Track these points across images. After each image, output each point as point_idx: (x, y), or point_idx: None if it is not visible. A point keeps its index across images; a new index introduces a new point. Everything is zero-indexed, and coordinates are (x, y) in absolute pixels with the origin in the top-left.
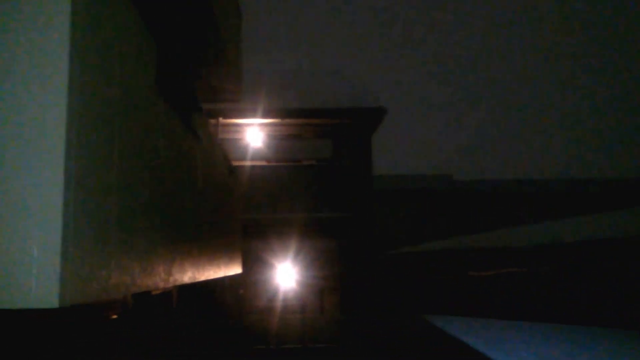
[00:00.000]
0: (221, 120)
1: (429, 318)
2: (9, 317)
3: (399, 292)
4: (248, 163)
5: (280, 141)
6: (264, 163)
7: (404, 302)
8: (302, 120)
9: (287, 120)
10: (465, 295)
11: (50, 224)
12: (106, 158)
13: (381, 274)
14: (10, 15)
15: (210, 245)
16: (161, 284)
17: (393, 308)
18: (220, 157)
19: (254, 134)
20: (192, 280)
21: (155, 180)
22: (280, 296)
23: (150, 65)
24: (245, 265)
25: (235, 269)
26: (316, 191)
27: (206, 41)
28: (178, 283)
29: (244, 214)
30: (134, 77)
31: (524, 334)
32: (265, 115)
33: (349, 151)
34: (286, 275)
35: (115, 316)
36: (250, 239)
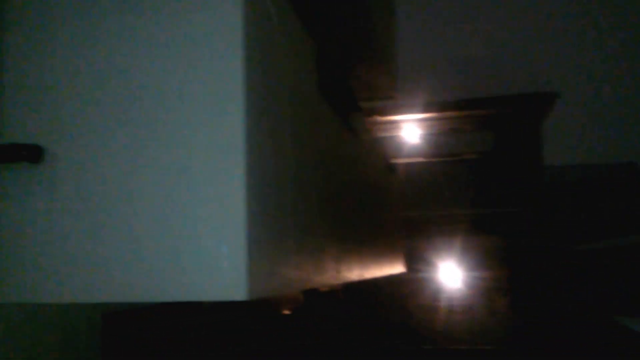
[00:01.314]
0: (378, 117)
1: (620, 319)
2: (201, 309)
3: (580, 291)
4: (407, 160)
5: (438, 136)
6: (422, 159)
7: (587, 302)
8: (461, 112)
9: (445, 114)
10: None
11: (237, 226)
12: (280, 164)
13: (559, 272)
14: (185, 28)
15: (374, 243)
16: (331, 281)
17: (574, 309)
18: (380, 155)
19: (411, 130)
20: (359, 278)
21: (323, 181)
22: (446, 296)
23: (312, 68)
24: (408, 264)
25: (399, 268)
26: (480, 186)
27: (362, 39)
28: (346, 280)
29: (405, 212)
30: (299, 81)
31: None
32: (422, 110)
33: (514, 142)
34: (451, 274)
35: (288, 312)
36: (412, 237)
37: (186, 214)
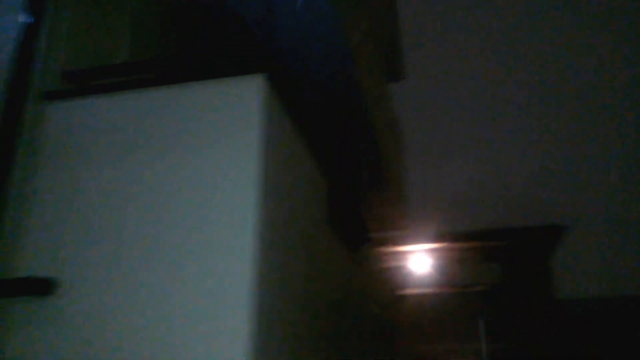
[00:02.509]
0: (387, 248)
1: None
2: None
3: None
4: (414, 292)
5: (445, 267)
6: (429, 290)
7: None
8: (468, 243)
9: (452, 245)
10: None
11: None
12: (282, 301)
13: None
14: (204, 167)
15: None
16: None
17: None
18: (388, 286)
19: (418, 260)
20: None
21: (329, 314)
22: None
23: (323, 202)
24: None
25: None
26: (488, 319)
27: (374, 175)
28: None
29: (412, 345)
30: (310, 217)
31: None
32: (429, 241)
33: (523, 274)
34: None
35: None
36: None
37: (187, 348)
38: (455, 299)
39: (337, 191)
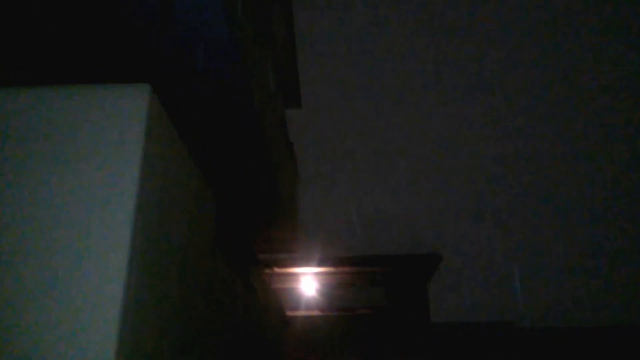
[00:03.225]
0: (276, 270)
1: None
2: None
3: None
4: (302, 313)
5: (333, 290)
6: (318, 312)
7: None
8: (355, 268)
9: (340, 269)
10: None
11: None
12: (160, 318)
13: None
14: (85, 176)
15: None
16: None
17: None
18: (275, 307)
19: (307, 283)
20: None
21: (212, 332)
22: None
23: (209, 223)
24: None
25: None
26: (372, 340)
27: (264, 198)
28: None
29: None
30: (193, 236)
31: None
32: (318, 264)
33: (403, 299)
34: None
35: None
36: None
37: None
38: (343, 320)
39: (226, 211)
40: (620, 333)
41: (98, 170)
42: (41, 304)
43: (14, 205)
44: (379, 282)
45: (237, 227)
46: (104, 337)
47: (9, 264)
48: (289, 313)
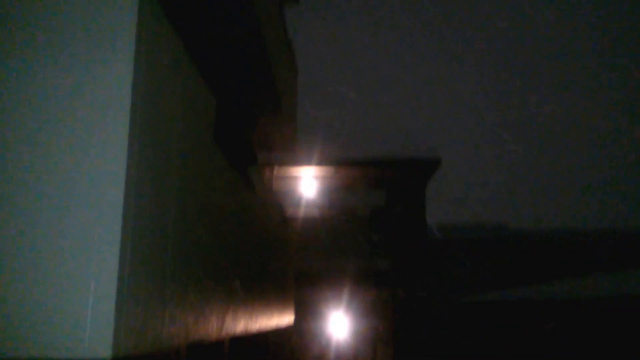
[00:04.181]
0: (276, 170)
1: None
2: None
3: (456, 343)
4: (302, 214)
5: (333, 192)
6: (317, 214)
7: (463, 354)
8: (356, 171)
9: (341, 171)
10: (534, 349)
11: (106, 275)
12: (162, 210)
13: (437, 325)
14: (75, 72)
15: (264, 295)
16: (214, 335)
17: None
18: (275, 208)
19: (308, 185)
20: (245, 331)
21: (210, 231)
22: (333, 346)
23: (209, 120)
24: (297, 315)
25: (288, 319)
26: (369, 241)
27: (263, 94)
28: (231, 334)
29: (297, 264)
30: (192, 130)
31: None
32: (319, 164)
33: (402, 201)
34: (338, 325)
35: None
36: (303, 289)
37: (49, 259)
38: (343, 221)
39: (226, 109)
40: (619, 236)
41: (89, 65)
42: (41, 202)
43: (14, 102)
44: (379, 184)
45: (236, 124)
46: (106, 239)
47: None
48: (289, 215)
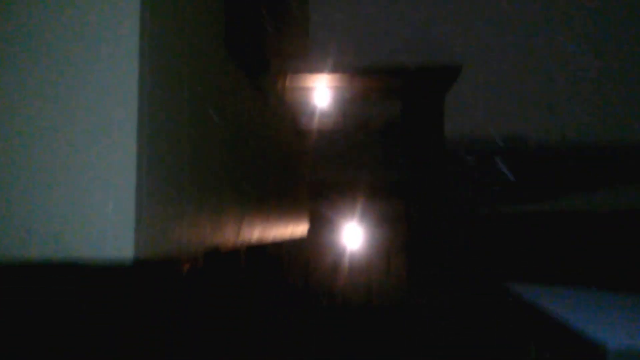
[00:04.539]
0: (289, 79)
1: (508, 285)
2: (83, 273)
3: (473, 256)
4: (316, 126)
5: (348, 103)
6: (331, 126)
7: (478, 266)
8: (371, 80)
9: (355, 80)
10: (549, 261)
11: (125, 181)
12: (177, 117)
13: (452, 237)
14: None
15: (278, 206)
16: (231, 243)
17: (466, 273)
18: (288, 117)
19: (321, 95)
20: (261, 240)
21: (225, 140)
22: (346, 257)
23: (219, 24)
24: (312, 226)
25: (302, 230)
26: (385, 153)
27: None
28: (247, 242)
29: (312, 176)
30: (203, 36)
31: (617, 305)
32: (333, 72)
33: (419, 111)
34: (352, 236)
35: (185, 273)
36: (317, 200)
37: (72, 162)
38: (358, 132)
39: (237, 13)
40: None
41: None
42: (58, 106)
43: None
44: (395, 94)
45: (247, 30)
46: (122, 147)
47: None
48: (303, 126)
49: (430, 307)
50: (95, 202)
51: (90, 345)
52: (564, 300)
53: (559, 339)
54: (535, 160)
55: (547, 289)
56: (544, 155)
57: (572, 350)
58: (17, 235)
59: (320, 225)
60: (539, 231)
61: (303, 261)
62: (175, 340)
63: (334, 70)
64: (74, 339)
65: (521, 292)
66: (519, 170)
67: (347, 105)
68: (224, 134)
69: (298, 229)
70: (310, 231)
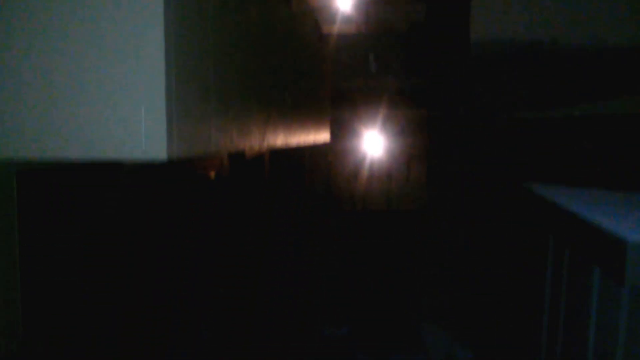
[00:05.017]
0: None
1: (528, 185)
2: (121, 173)
3: (495, 159)
4: (338, 31)
5: (370, 5)
6: (353, 30)
7: (501, 169)
8: None
9: None
10: (573, 164)
11: (155, 84)
12: (202, 23)
13: (475, 142)
14: None
15: (301, 113)
16: (256, 146)
17: (487, 176)
18: (311, 22)
19: None
20: (285, 145)
21: (249, 44)
22: (367, 163)
23: None
24: (333, 134)
25: (324, 137)
26: (408, 58)
27: None
28: (271, 146)
29: (334, 83)
30: None
31: (638, 204)
32: None
33: (444, 14)
34: (374, 143)
35: (212, 177)
36: (339, 107)
37: (104, 71)
38: (380, 37)
39: None
40: None
41: None
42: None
43: None
44: None
45: None
46: (151, 47)
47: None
48: (325, 31)
49: (450, 209)
50: (128, 107)
51: (124, 243)
52: (585, 199)
53: (578, 235)
54: (562, 65)
55: (568, 189)
56: (571, 58)
57: (592, 245)
58: (57, 139)
59: (342, 132)
60: (562, 136)
61: (325, 167)
62: (205, 240)
63: None
64: (111, 237)
65: (541, 191)
66: (544, 75)
67: (369, 8)
68: (248, 39)
69: (320, 136)
70: (332, 138)
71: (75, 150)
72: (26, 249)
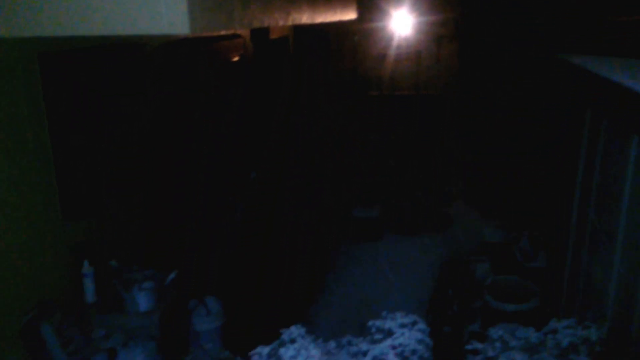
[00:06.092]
0: None
1: (565, 55)
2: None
3: (527, 32)
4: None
5: None
6: None
7: (536, 40)
8: None
9: None
10: (609, 35)
11: None
12: None
13: (510, 13)
14: None
15: None
16: (280, 22)
17: (522, 48)
18: None
19: None
20: (309, 21)
21: None
22: (395, 44)
23: None
24: (360, 11)
25: (350, 15)
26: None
27: None
28: (296, 23)
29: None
30: None
31: None
32: None
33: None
34: (402, 22)
35: (237, 58)
36: None
37: None
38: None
39: None
40: None
41: None
42: None
43: None
44: None
45: None
46: None
47: None
48: None
49: (482, 89)
50: None
51: (149, 127)
52: (624, 68)
53: (618, 103)
54: None
55: (606, 59)
56: None
57: (632, 113)
58: (75, 15)
59: (369, 9)
60: (597, 5)
61: (351, 47)
62: (229, 118)
63: None
64: (138, 108)
65: (579, 62)
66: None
67: None
68: None
69: (346, 13)
70: (359, 17)
71: (94, 26)
72: (55, 131)
